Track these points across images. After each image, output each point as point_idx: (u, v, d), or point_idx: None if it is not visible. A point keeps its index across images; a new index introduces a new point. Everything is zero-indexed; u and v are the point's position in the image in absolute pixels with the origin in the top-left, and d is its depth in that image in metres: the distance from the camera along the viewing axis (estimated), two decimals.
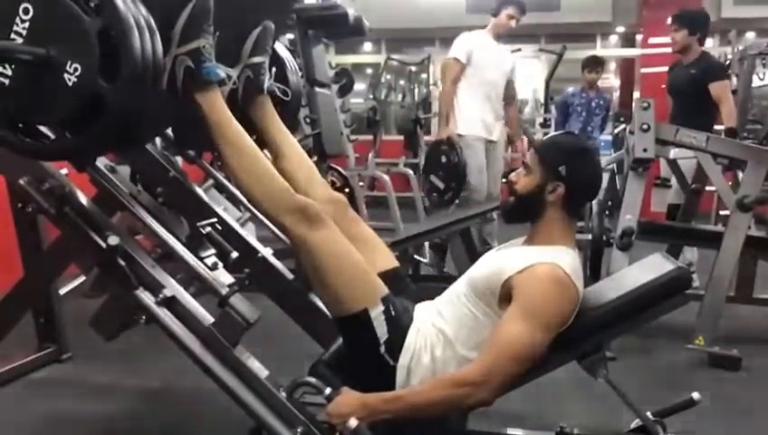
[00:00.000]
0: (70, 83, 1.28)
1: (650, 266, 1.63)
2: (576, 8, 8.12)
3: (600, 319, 1.51)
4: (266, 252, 2.16)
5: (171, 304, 1.53)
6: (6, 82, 1.32)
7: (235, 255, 2.00)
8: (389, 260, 1.71)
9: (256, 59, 1.69)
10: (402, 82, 8.29)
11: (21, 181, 1.62)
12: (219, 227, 2.06)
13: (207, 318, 1.53)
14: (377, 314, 1.49)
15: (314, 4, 4.06)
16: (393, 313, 1.51)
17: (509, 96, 4.24)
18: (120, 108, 1.31)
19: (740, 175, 3.26)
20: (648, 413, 1.56)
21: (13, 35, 1.29)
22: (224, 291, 1.52)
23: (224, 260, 1.97)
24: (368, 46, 9.80)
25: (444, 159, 3.89)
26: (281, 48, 1.97)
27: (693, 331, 2.75)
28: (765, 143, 4.14)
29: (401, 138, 7.78)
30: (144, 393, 2.47)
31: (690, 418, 1.64)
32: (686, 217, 3.73)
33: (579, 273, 1.48)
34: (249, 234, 2.20)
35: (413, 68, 7.89)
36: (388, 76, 8.40)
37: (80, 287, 3.10)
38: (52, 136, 1.42)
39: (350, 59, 9.41)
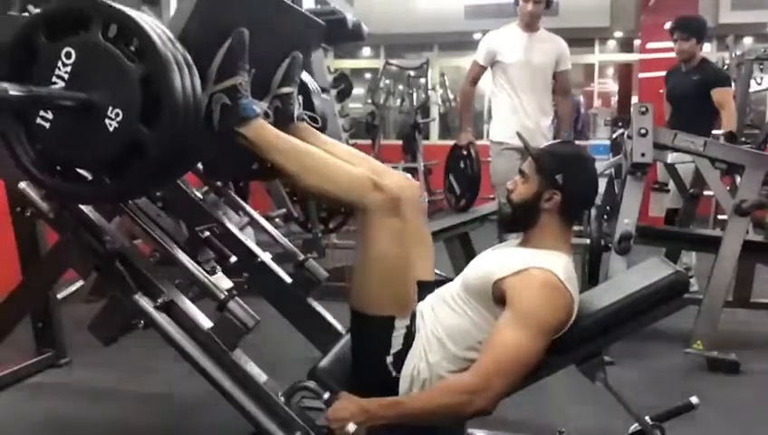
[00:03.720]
0: (111, 129, 1.27)
1: (648, 270, 1.63)
2: (574, 13, 8.12)
3: (598, 323, 1.51)
4: (265, 256, 2.16)
5: (170, 308, 1.54)
6: (47, 125, 1.31)
7: (233, 259, 2.01)
8: (429, 271, 1.67)
9: (285, 89, 1.67)
10: (401, 87, 8.29)
11: (20, 185, 1.63)
12: (218, 232, 2.07)
13: (206, 323, 1.53)
14: (401, 325, 1.51)
15: (313, 9, 4.07)
16: (413, 329, 1.52)
17: (562, 89, 3.73)
18: (161, 152, 1.30)
19: (738, 179, 3.26)
20: (647, 417, 1.56)
21: (54, 78, 1.28)
22: (222, 295, 1.52)
23: (222, 264, 1.97)
24: (366, 51, 9.81)
25: (462, 165, 3.62)
26: (304, 74, 1.95)
27: (691, 335, 2.75)
28: (763, 148, 4.15)
29: (400, 142, 7.80)
30: (143, 398, 2.46)
31: (689, 422, 1.64)
32: (685, 221, 3.73)
33: (573, 278, 1.48)
34: (248, 238, 2.20)
35: (411, 73, 7.89)
36: (387, 81, 8.40)
37: (78, 292, 3.10)
38: (89, 177, 1.39)
39: (348, 64, 9.45)
